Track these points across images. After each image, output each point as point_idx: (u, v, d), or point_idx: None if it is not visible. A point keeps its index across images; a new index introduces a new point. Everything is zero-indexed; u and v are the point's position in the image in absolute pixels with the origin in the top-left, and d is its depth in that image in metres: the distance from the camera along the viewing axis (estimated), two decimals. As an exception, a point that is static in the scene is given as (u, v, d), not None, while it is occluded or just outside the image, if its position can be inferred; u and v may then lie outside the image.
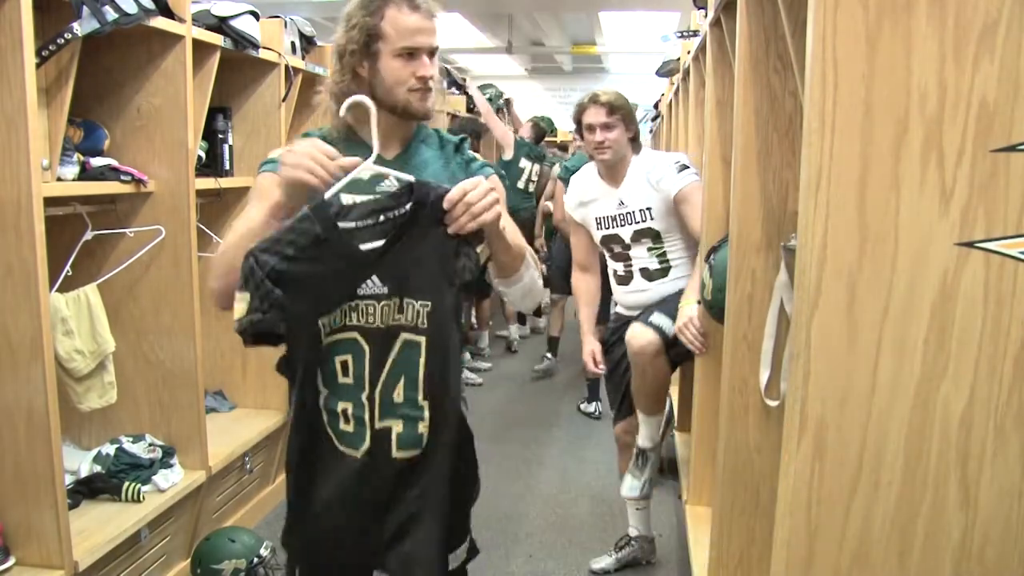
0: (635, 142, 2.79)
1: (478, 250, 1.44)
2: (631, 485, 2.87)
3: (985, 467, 1.11)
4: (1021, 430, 1.09)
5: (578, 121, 2.78)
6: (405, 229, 1.40)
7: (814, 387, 1.13)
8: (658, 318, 2.68)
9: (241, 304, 1.36)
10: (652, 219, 2.74)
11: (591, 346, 2.88)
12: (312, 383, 1.44)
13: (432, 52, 1.52)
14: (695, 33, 3.52)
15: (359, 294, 1.41)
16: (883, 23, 1.05)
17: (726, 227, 2.17)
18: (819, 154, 1.09)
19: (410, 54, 1.50)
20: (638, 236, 2.78)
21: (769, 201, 1.83)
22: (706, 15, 2.69)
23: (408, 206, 1.39)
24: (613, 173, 2.78)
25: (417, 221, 1.40)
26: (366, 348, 1.43)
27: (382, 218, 1.39)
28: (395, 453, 1.45)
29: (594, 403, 4.85)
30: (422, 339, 1.42)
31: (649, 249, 2.78)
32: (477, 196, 1.38)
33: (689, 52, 3.57)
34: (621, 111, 2.71)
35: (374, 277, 1.41)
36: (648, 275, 2.80)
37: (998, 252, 1.07)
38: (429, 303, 1.42)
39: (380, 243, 1.39)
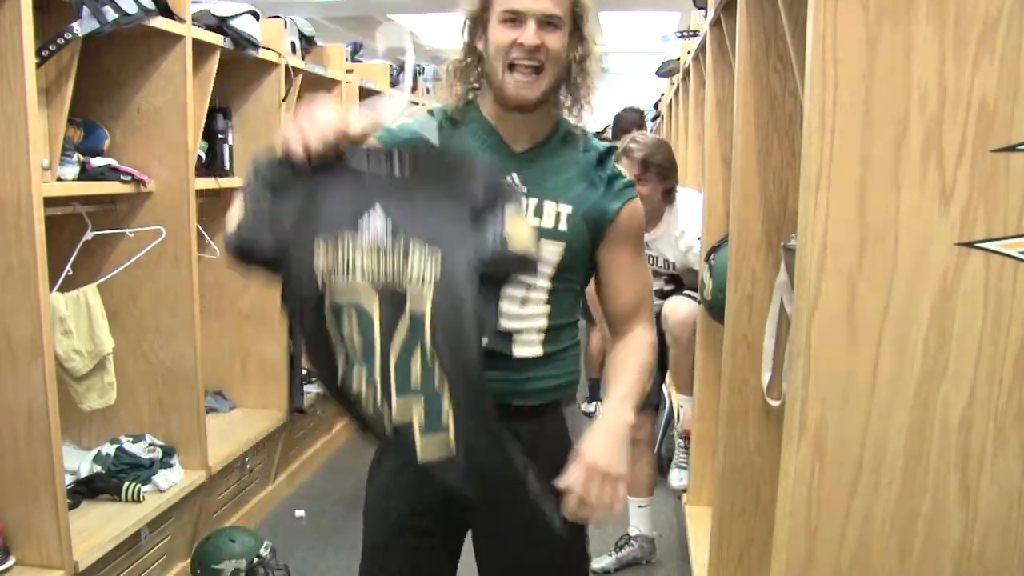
0: (669, 194, 2.69)
1: None
2: (681, 475, 2.93)
3: (985, 467, 1.11)
4: (1021, 430, 1.09)
5: None
6: (418, 171, 1.19)
7: (814, 387, 1.13)
8: (692, 292, 2.70)
9: (234, 211, 1.20)
10: (674, 270, 2.78)
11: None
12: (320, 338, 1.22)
13: (546, 22, 1.30)
14: (695, 33, 3.52)
15: (361, 226, 1.19)
16: (883, 23, 1.05)
17: (726, 227, 2.17)
18: (819, 154, 1.08)
19: (513, 19, 1.30)
20: (656, 274, 2.83)
21: (769, 201, 1.83)
22: (706, 15, 2.69)
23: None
24: (648, 218, 2.75)
25: (435, 174, 1.19)
26: (373, 303, 1.19)
27: (397, 157, 1.20)
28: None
29: (595, 403, 4.84)
30: (426, 303, 1.16)
31: (666, 281, 2.84)
32: (595, 494, 1.21)
33: (689, 52, 3.58)
34: (656, 168, 2.61)
35: (377, 207, 1.19)
36: (662, 295, 2.86)
37: (998, 252, 1.07)
38: (439, 251, 1.16)
39: (386, 171, 1.20)
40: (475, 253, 1.16)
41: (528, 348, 1.38)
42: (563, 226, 1.37)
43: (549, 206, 1.37)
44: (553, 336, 1.41)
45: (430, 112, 1.42)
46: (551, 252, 1.37)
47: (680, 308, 2.67)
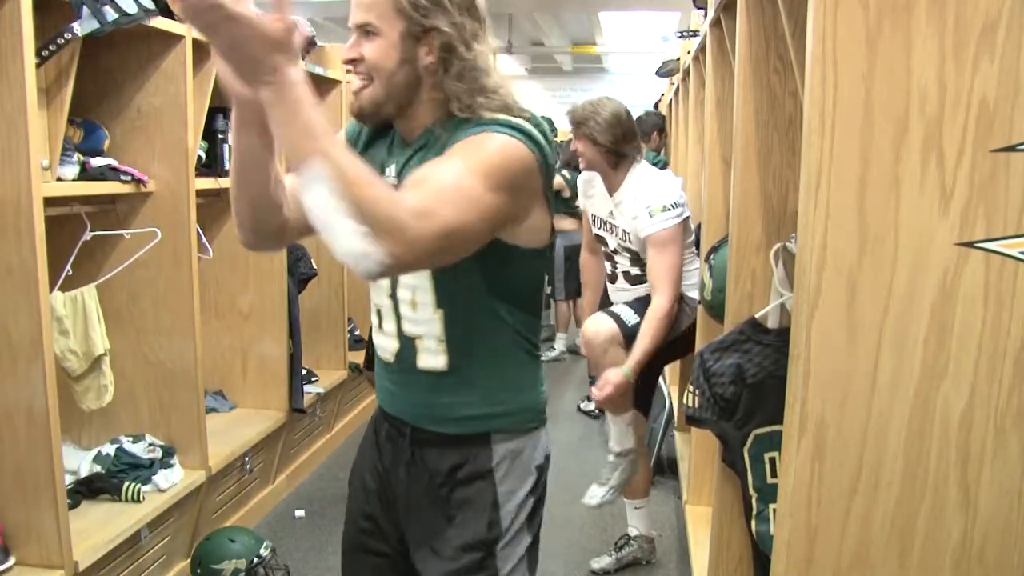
0: (620, 156, 2.66)
1: None
2: (590, 492, 2.69)
3: (985, 467, 1.11)
4: (1021, 430, 1.09)
5: None
6: None
7: (814, 387, 1.13)
8: (621, 308, 2.66)
9: None
10: (631, 243, 2.73)
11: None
12: None
13: (361, 30, 1.21)
14: (695, 33, 3.52)
15: None
16: (883, 23, 1.05)
17: (726, 227, 2.17)
18: (819, 154, 1.09)
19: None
20: (621, 248, 2.78)
21: (769, 201, 1.83)
22: (706, 15, 2.69)
23: None
24: (609, 181, 2.73)
25: None
26: None
27: None
28: None
29: (594, 402, 4.84)
30: None
31: (631, 261, 2.79)
32: None
33: (689, 52, 3.58)
34: (582, 128, 2.63)
35: None
36: (630, 279, 2.81)
37: (998, 252, 1.07)
38: None
39: None
40: None
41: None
42: None
43: None
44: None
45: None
46: None
47: (589, 326, 2.62)
